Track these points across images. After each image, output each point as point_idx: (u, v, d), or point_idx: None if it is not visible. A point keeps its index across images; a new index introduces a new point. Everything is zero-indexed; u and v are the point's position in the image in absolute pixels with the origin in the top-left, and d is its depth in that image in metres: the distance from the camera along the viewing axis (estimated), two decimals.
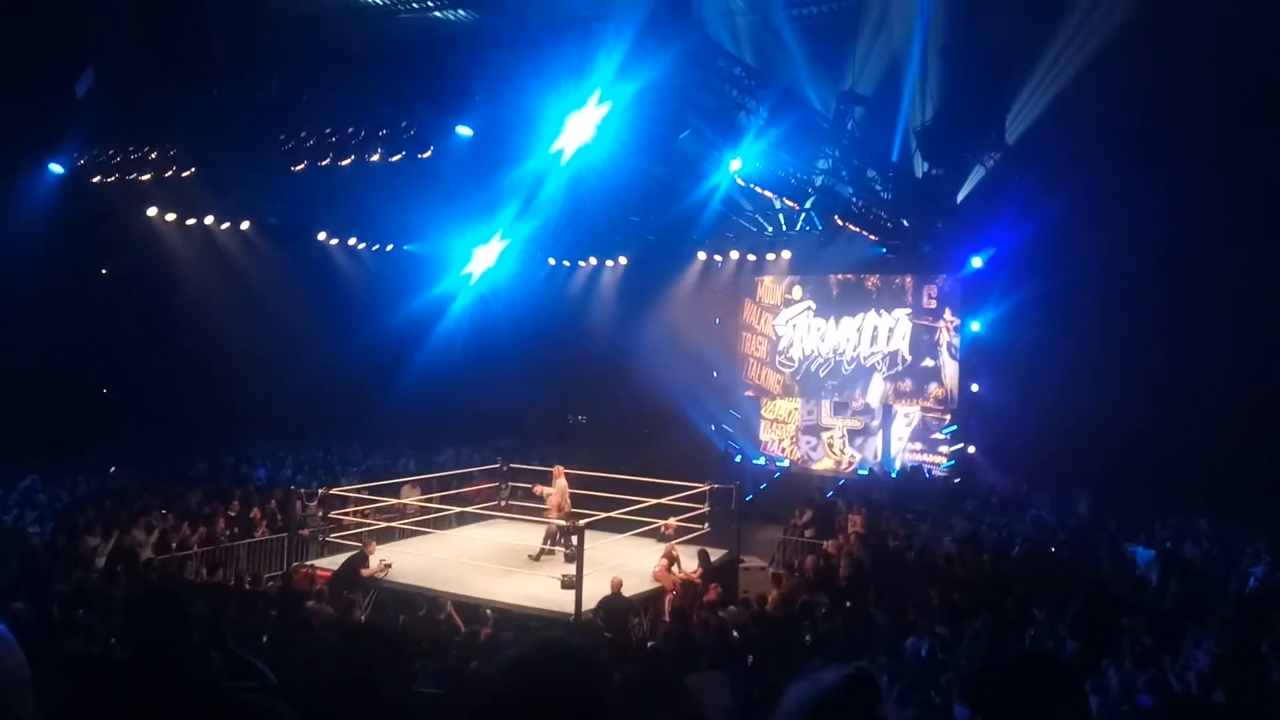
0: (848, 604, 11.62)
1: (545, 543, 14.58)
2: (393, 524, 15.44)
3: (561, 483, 15.25)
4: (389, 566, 13.29)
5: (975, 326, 19.98)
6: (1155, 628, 9.17)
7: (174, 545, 13.82)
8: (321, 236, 21.52)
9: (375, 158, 12.31)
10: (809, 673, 1.81)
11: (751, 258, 22.42)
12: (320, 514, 14.92)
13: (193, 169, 14.56)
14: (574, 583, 12.04)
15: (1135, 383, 16.49)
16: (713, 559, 14.15)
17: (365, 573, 13.05)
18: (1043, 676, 2.74)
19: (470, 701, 1.72)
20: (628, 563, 13.22)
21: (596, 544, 13.23)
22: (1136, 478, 15.80)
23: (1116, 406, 16.34)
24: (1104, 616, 9.61)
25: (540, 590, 12.71)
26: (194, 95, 13.81)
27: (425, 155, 12.08)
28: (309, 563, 14.06)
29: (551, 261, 24.19)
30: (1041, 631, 9.32)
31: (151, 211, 18.44)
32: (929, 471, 20.08)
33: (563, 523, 14.29)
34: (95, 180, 15.10)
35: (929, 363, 20.66)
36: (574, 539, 13.03)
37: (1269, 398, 15.07)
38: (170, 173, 14.65)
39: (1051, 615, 9.70)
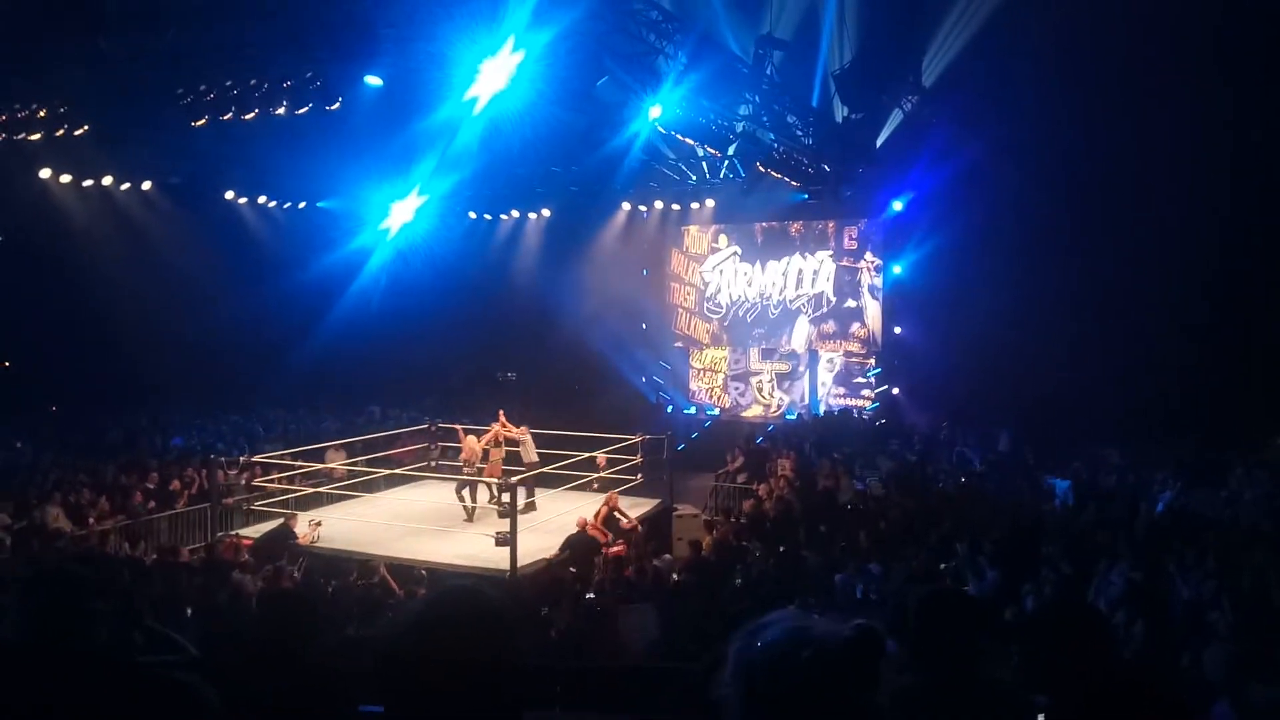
0: (781, 549, 11.81)
1: (480, 499, 14.46)
2: (319, 489, 15.14)
3: (471, 440, 15.12)
4: (319, 525, 13.07)
5: (897, 270, 20.28)
6: (1071, 556, 9.52)
7: (91, 520, 13.34)
8: (229, 195, 20.70)
9: (281, 111, 11.79)
10: (796, 626, 1.57)
11: (676, 207, 22.32)
12: (243, 482, 14.56)
13: (86, 127, 13.78)
14: (508, 539, 11.99)
15: (1050, 320, 16.97)
16: (632, 514, 14.24)
17: (302, 540, 12.83)
18: (957, 609, 2.82)
19: (377, 652, 1.66)
20: (562, 516, 13.21)
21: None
22: (1054, 411, 16.32)
23: (1033, 344, 16.82)
24: (1022, 547, 9.94)
25: (474, 549, 12.63)
26: (83, 48, 13.01)
27: (334, 107, 11.62)
28: (234, 532, 13.73)
29: (472, 215, 23.75)
30: (963, 563, 9.58)
31: (45, 173, 17.48)
32: (856, 413, 20.44)
33: (487, 479, 14.22)
34: None
35: (851, 303, 20.93)
36: (503, 495, 13.04)
37: (1173, 333, 15.66)
38: (62, 131, 13.84)
39: (972, 547, 9.97)
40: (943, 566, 9.50)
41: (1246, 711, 5.72)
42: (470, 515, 14.25)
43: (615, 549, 12.78)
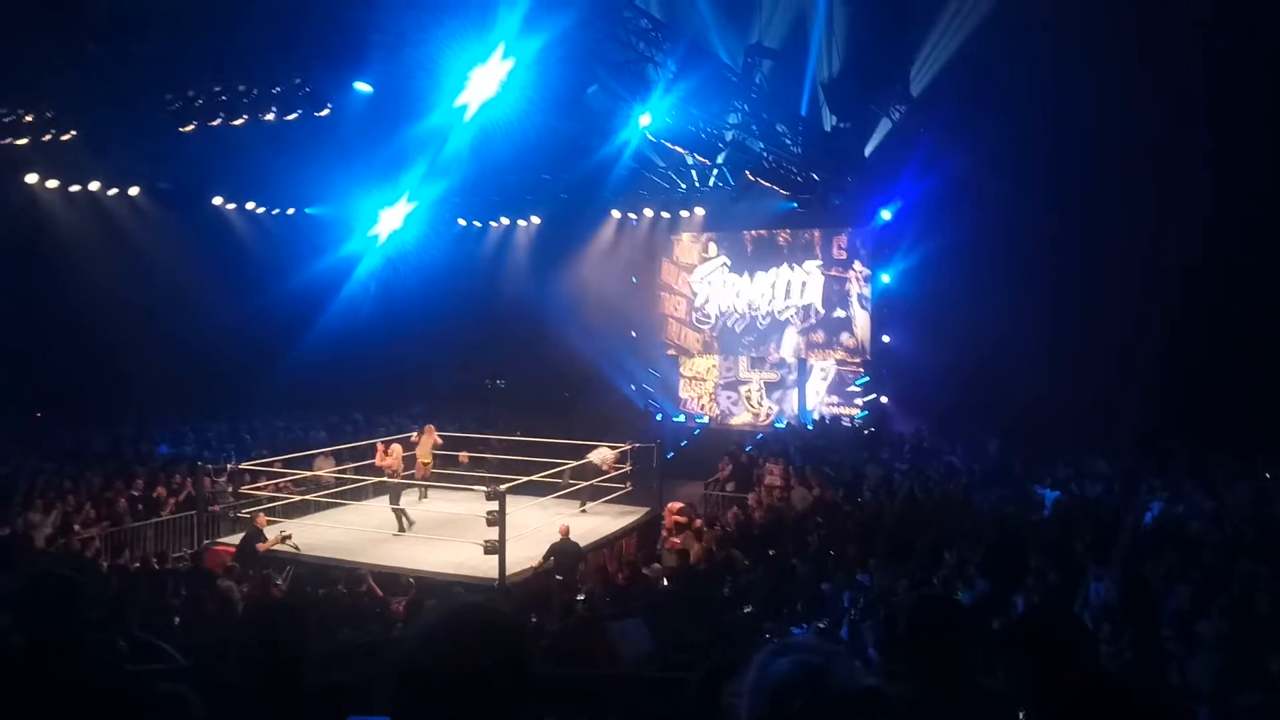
0: (771, 553, 11.81)
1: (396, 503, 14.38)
2: (306, 497, 15.07)
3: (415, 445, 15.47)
4: (289, 537, 13.00)
5: (885, 279, 20.35)
6: (1060, 566, 9.55)
7: (76, 527, 13.24)
8: (217, 201, 20.61)
9: (270, 117, 11.77)
10: (815, 666, 1.58)
11: (665, 215, 22.34)
12: (230, 489, 14.48)
13: (73, 132, 13.71)
14: (497, 548, 11.96)
15: (1039, 329, 17.03)
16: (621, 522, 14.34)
17: (262, 547, 12.79)
18: (949, 616, 2.81)
19: (389, 669, 1.66)
20: (550, 525, 13.17)
21: (518, 508, 13.15)
22: (1043, 420, 16.38)
23: (1022, 352, 16.87)
24: (1011, 556, 9.96)
25: (462, 557, 12.58)
26: (71, 53, 12.95)
27: (323, 114, 11.60)
28: (220, 540, 13.65)
29: (462, 222, 23.72)
30: (951, 573, 9.60)
31: (31, 178, 17.38)
32: (848, 422, 20.47)
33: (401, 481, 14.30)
34: None
35: (840, 314, 20.98)
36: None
37: (1161, 342, 15.74)
38: (49, 136, 13.76)
39: (961, 557, 9.99)
40: (935, 578, 9.50)
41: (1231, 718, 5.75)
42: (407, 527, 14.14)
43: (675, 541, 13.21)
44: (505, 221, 23.59)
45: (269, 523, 13.41)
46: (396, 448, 15.09)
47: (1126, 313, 16.39)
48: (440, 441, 16.06)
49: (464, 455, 16.07)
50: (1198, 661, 6.93)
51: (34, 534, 12.63)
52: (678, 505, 14.94)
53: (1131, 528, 11.44)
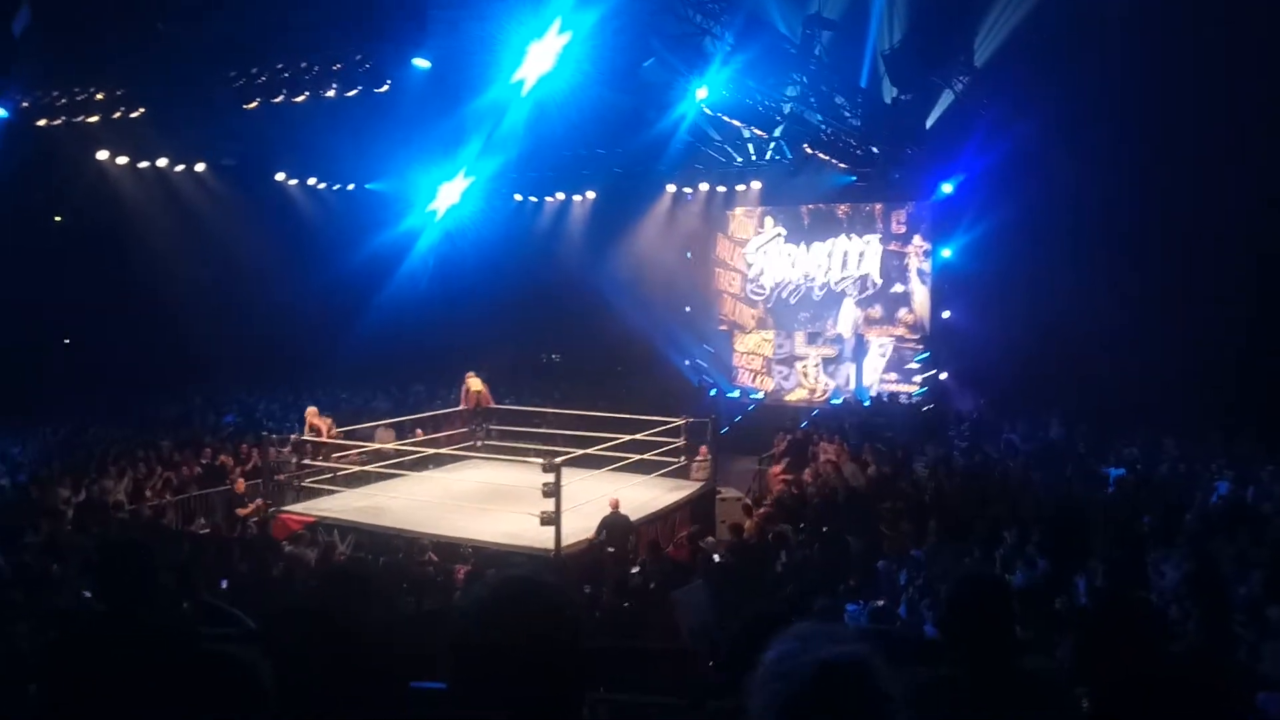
0: (824, 529, 11.75)
1: None
2: (367, 467, 15.37)
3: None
4: (267, 506, 13.59)
5: (946, 253, 19.99)
6: (1123, 545, 9.36)
7: (148, 494, 13.70)
8: (280, 177, 21.00)
9: (330, 93, 11.92)
10: (793, 647, 1.45)
11: (721, 189, 22.19)
12: (294, 459, 14.81)
13: (142, 109, 14.07)
14: (553, 519, 12.07)
15: (1105, 306, 16.62)
16: (674, 496, 14.49)
17: (241, 513, 13.37)
18: (991, 596, 2.77)
19: (443, 640, 1.70)
20: (605, 497, 13.24)
21: (573, 480, 13.24)
22: (1107, 398, 16.02)
23: (1087, 330, 16.50)
24: (1073, 535, 9.78)
25: (519, 528, 12.71)
26: (139, 32, 13.25)
27: (382, 89, 11.72)
28: (285, 508, 13.99)
29: (518, 197, 23.84)
30: (1011, 552, 9.46)
31: (102, 155, 17.87)
32: (907, 399, 20.23)
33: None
34: (41, 124, 14.56)
35: (899, 288, 20.69)
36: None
37: (1231, 320, 15.27)
38: (119, 114, 14.14)
39: (1021, 536, 9.84)
40: (995, 556, 9.38)
41: None
42: None
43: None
44: (561, 196, 23.65)
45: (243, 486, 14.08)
46: (327, 422, 15.31)
47: (1197, 289, 15.92)
48: (478, 389, 17.24)
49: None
50: (1271, 647, 6.75)
51: (107, 500, 13.09)
52: (779, 467, 15.27)
53: (1199, 508, 11.16)
